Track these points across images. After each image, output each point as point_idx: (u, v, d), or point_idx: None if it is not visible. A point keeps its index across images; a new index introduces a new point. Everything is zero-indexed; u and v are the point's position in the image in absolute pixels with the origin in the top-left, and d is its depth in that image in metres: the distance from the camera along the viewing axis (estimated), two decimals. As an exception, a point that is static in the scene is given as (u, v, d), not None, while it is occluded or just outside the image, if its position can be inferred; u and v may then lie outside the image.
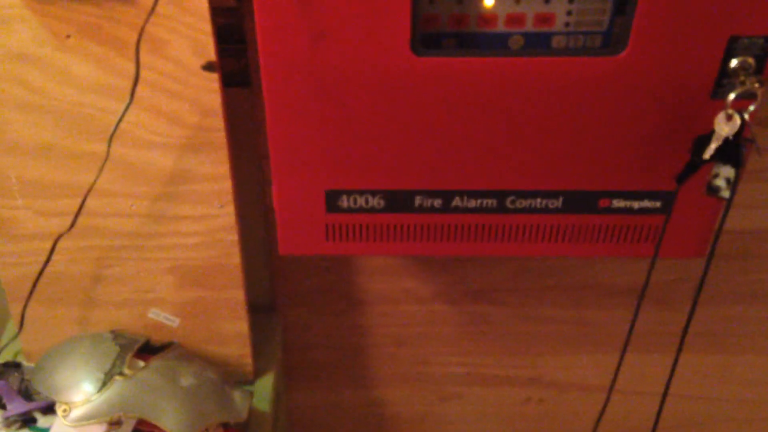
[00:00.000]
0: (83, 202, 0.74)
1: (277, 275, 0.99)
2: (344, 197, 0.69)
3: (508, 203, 0.69)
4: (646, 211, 0.69)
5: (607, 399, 0.77)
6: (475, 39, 0.63)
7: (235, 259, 0.81)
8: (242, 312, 0.85)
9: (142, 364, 0.75)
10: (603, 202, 0.69)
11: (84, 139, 0.73)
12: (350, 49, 0.60)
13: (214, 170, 0.75)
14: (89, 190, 0.74)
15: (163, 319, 0.85)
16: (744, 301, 1.00)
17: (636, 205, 0.69)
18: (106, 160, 0.72)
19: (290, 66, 0.61)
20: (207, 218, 0.78)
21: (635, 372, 1.09)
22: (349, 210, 0.70)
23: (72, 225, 0.74)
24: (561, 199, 0.69)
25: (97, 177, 0.73)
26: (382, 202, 0.69)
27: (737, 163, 0.60)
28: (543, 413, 1.16)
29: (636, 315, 0.70)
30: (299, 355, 1.08)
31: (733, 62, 0.59)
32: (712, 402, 1.13)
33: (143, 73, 0.69)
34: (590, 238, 0.71)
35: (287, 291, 1.01)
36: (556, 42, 0.63)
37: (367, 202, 0.69)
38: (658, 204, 0.69)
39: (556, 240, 0.71)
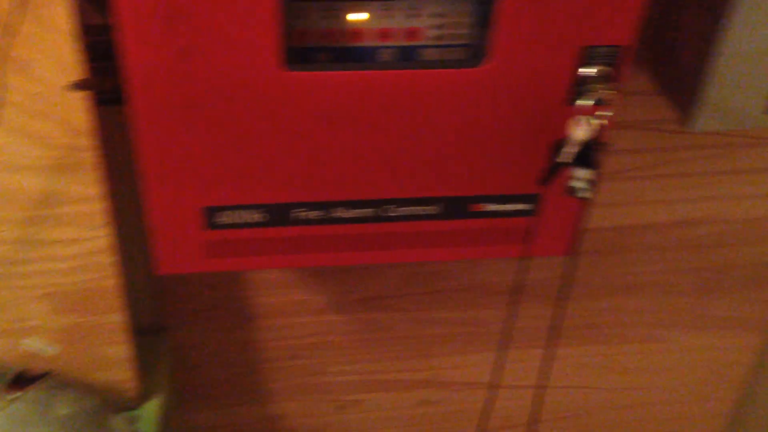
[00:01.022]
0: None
1: (165, 295, 0.97)
2: (222, 213, 0.69)
3: (385, 212, 0.71)
4: (516, 213, 0.72)
5: (491, 395, 0.80)
6: (346, 53, 0.64)
7: (114, 281, 0.79)
8: (124, 336, 0.83)
9: (13, 395, 0.72)
10: (475, 207, 0.72)
11: (-58, 164, 0.70)
12: (220, 64, 0.60)
13: (88, 191, 0.73)
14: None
15: (40, 347, 0.82)
16: (620, 293, 1.06)
17: (506, 208, 0.72)
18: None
19: (158, 82, 0.60)
20: (82, 241, 0.76)
21: (524, 367, 1.13)
22: (229, 225, 0.69)
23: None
24: (436, 205, 0.71)
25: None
26: (262, 216, 0.69)
27: (594, 165, 0.64)
28: (439, 414, 1.18)
29: (514, 313, 0.73)
30: (192, 374, 1.06)
31: (588, 71, 0.63)
32: (594, 391, 1.19)
33: (8, 95, 0.67)
34: (466, 242, 0.74)
35: (176, 310, 0.99)
36: (425, 55, 0.64)
37: (246, 216, 0.69)
38: (526, 206, 0.72)
39: (434, 245, 0.73)
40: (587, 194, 0.67)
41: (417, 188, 0.70)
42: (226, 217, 0.69)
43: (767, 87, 0.72)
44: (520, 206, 0.72)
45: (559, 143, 0.65)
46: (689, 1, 0.72)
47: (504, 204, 0.72)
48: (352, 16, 0.62)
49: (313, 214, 0.70)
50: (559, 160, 0.65)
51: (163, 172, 0.65)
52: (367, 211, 0.70)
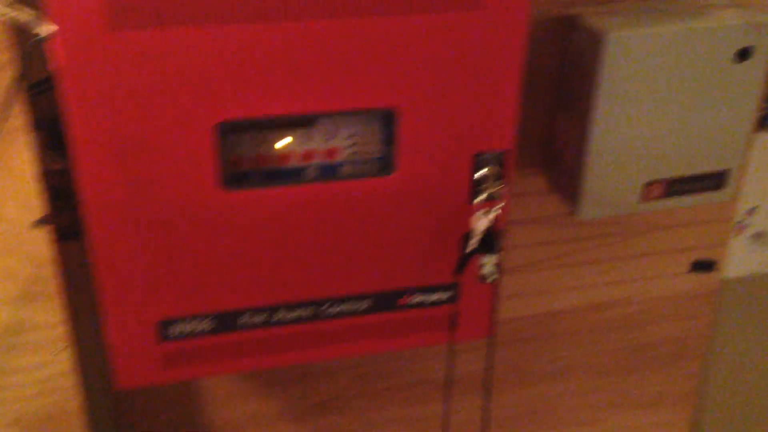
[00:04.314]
0: None
1: (125, 417, 1.01)
2: (174, 325, 0.76)
3: (322, 310, 0.79)
4: (439, 302, 0.82)
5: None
6: (276, 173, 0.74)
7: (76, 403, 0.84)
8: (88, 455, 0.88)
9: None
10: (403, 299, 0.81)
11: None
12: (166, 192, 0.69)
13: (51, 318, 0.80)
14: None
15: (7, 474, 0.86)
16: (548, 379, 1.14)
17: (430, 298, 0.81)
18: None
19: (111, 212, 0.69)
20: (46, 365, 0.82)
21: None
22: (181, 336, 0.77)
23: None
24: (367, 300, 0.80)
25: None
26: (211, 324, 0.77)
27: (496, 250, 0.74)
28: None
29: (447, 407, 0.81)
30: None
31: (481, 172, 0.75)
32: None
33: (-26, 233, 0.75)
34: (396, 334, 0.82)
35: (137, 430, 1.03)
36: (344, 169, 0.75)
37: (196, 326, 0.77)
38: (448, 294, 0.81)
39: (367, 338, 0.81)
40: (495, 277, 0.77)
41: (349, 286, 0.79)
42: (177, 329, 0.76)
43: (640, 178, 0.85)
44: (442, 295, 0.81)
45: (466, 235, 0.76)
46: (565, 110, 0.86)
47: (427, 294, 0.81)
48: (278, 143, 0.73)
49: (257, 319, 0.78)
50: (466, 250, 0.75)
51: (118, 292, 0.73)
52: (306, 311, 0.79)
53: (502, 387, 1.14)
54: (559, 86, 0.87)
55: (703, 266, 1.10)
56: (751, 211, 1.10)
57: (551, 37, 0.86)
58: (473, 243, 0.74)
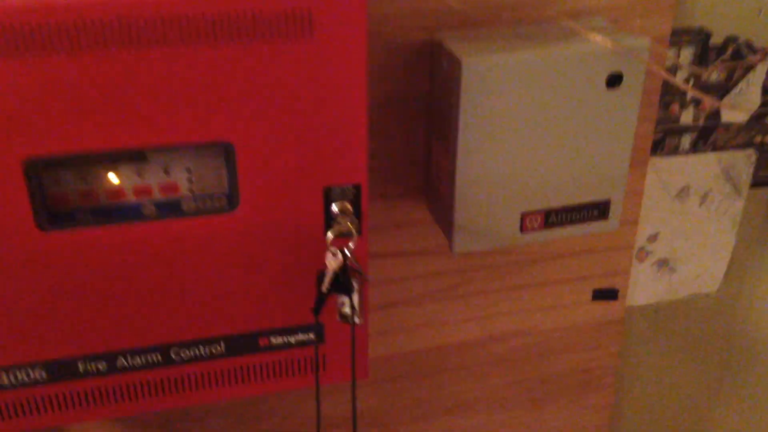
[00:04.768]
0: None
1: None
2: (3, 374, 0.70)
3: (172, 355, 0.74)
4: (305, 343, 0.77)
5: None
6: (106, 211, 0.68)
7: None
8: None
9: None
10: (263, 341, 0.75)
11: None
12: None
13: None
14: None
15: None
16: (451, 414, 1.10)
17: (293, 339, 0.76)
18: None
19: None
20: None
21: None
22: (12, 386, 0.71)
23: None
24: (223, 343, 0.74)
25: None
26: (46, 374, 0.71)
27: (349, 291, 0.69)
28: None
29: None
30: None
31: (333, 207, 0.70)
32: None
33: None
34: (258, 377, 0.77)
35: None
36: (184, 205, 0.70)
37: (28, 376, 0.71)
38: (312, 336, 0.76)
39: (225, 384, 0.76)
40: (356, 319, 0.72)
41: (202, 329, 0.73)
42: (6, 378, 0.70)
43: (516, 209, 0.80)
44: (305, 336, 0.76)
45: (321, 274, 0.71)
46: (437, 138, 0.82)
47: (289, 335, 0.76)
48: (107, 179, 0.67)
49: (98, 366, 0.72)
50: (320, 289, 0.70)
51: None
52: (155, 356, 0.73)
53: (402, 423, 1.09)
54: (431, 114, 0.83)
55: (606, 295, 1.07)
56: (653, 238, 1.06)
57: (422, 62, 0.82)
58: (325, 283, 0.69)
